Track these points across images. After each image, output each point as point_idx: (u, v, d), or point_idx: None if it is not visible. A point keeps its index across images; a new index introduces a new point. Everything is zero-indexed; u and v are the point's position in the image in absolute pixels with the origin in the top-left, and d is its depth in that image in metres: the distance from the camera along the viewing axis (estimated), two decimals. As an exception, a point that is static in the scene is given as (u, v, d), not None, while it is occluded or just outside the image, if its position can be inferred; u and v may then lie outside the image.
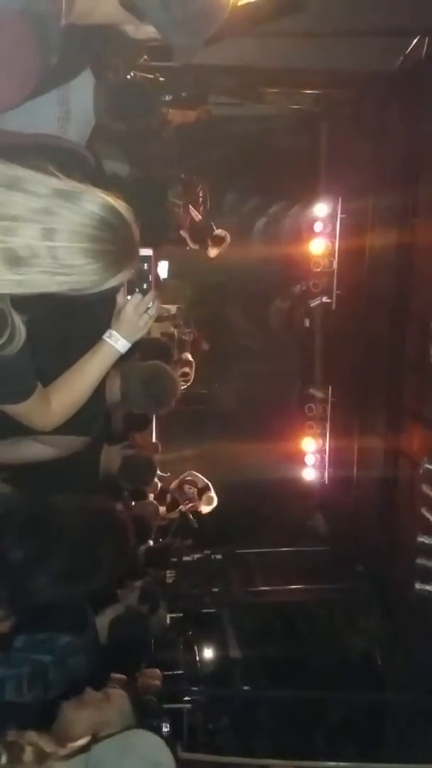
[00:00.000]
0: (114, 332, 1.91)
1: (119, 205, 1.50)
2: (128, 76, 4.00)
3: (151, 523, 5.68)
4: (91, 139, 2.60)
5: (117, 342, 1.92)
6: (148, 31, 1.89)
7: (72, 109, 2.39)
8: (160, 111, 4.67)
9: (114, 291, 1.67)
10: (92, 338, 1.92)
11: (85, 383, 1.93)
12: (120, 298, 1.91)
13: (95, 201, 1.45)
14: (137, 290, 1.91)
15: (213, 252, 7.12)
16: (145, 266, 1.92)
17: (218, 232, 7.10)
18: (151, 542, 6.26)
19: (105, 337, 1.92)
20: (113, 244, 1.47)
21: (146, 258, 1.91)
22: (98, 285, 1.50)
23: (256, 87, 6.44)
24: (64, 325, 1.94)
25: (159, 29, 1.81)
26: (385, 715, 5.55)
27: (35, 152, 2.05)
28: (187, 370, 7.63)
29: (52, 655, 2.18)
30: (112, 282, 1.52)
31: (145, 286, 1.94)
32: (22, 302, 1.51)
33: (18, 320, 1.55)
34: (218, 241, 7.14)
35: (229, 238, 7.16)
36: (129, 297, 1.90)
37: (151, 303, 1.92)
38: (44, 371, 1.83)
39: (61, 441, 2.18)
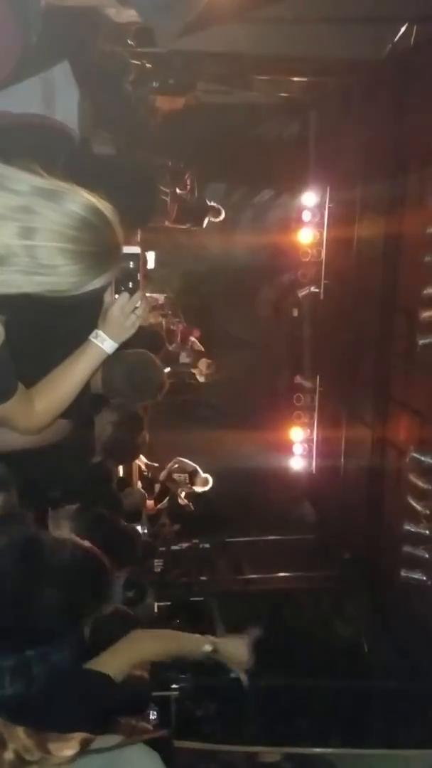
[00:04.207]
0: (100, 333, 1.87)
1: (102, 205, 1.46)
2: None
3: (137, 540, 5.59)
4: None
5: (103, 343, 1.88)
6: (129, 15, 1.88)
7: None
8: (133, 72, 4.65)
9: (100, 290, 1.64)
10: (78, 338, 1.89)
11: (70, 385, 1.89)
12: (107, 297, 1.88)
13: (77, 201, 1.42)
14: (123, 289, 1.87)
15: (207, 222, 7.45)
16: (132, 264, 1.88)
17: (213, 204, 7.49)
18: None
19: (91, 337, 1.87)
20: (94, 245, 1.44)
21: (133, 256, 1.86)
22: (78, 287, 1.46)
23: (245, 74, 6.38)
24: (48, 325, 1.90)
25: (140, 12, 1.81)
26: (371, 701, 5.62)
27: (20, 132, 2.04)
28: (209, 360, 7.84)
29: (35, 649, 2.17)
30: (93, 285, 1.49)
31: (131, 285, 1.90)
32: (1, 301, 1.48)
33: None
34: (215, 213, 7.43)
35: (223, 212, 7.48)
36: (116, 296, 1.87)
37: (138, 302, 1.89)
38: (27, 373, 1.80)
39: None
